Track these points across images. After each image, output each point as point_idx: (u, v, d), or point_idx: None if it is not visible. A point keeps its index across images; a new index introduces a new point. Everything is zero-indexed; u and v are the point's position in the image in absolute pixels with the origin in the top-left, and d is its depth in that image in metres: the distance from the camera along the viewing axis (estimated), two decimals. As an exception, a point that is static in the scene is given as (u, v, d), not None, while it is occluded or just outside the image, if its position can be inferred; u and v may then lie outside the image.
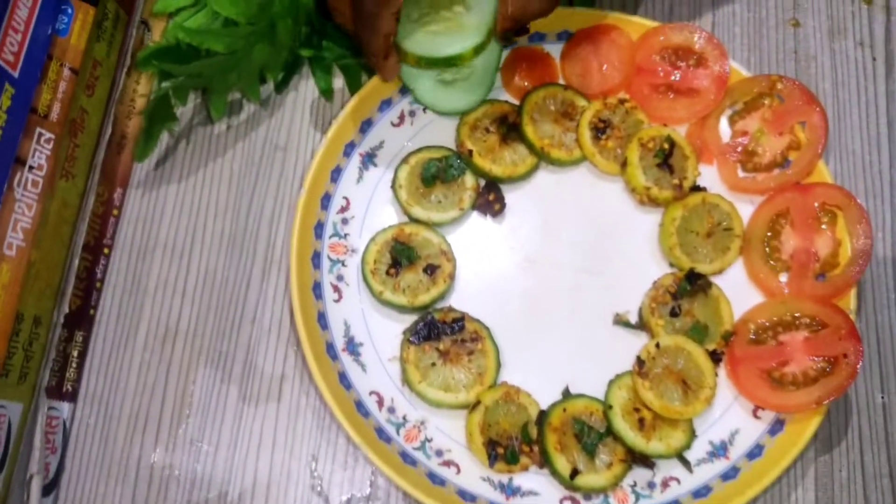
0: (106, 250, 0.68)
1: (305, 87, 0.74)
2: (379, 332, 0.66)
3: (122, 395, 0.66)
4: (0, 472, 0.57)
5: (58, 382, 0.63)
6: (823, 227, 0.65)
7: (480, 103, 0.70)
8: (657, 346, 0.63)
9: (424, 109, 0.71)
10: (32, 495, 0.59)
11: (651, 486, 0.61)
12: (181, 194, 0.71)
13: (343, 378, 0.63)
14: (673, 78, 0.69)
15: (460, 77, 0.68)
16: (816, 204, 0.65)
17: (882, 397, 0.66)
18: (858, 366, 0.59)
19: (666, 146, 0.68)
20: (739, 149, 0.69)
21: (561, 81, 0.71)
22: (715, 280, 0.67)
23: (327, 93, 0.72)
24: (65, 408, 0.64)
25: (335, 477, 0.64)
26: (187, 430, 0.65)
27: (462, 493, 0.60)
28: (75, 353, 0.65)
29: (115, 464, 0.64)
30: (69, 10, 0.59)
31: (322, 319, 0.65)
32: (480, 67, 0.68)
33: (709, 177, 0.70)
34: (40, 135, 0.58)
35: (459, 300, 0.67)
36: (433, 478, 0.61)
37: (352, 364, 0.64)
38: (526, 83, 0.71)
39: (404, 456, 0.61)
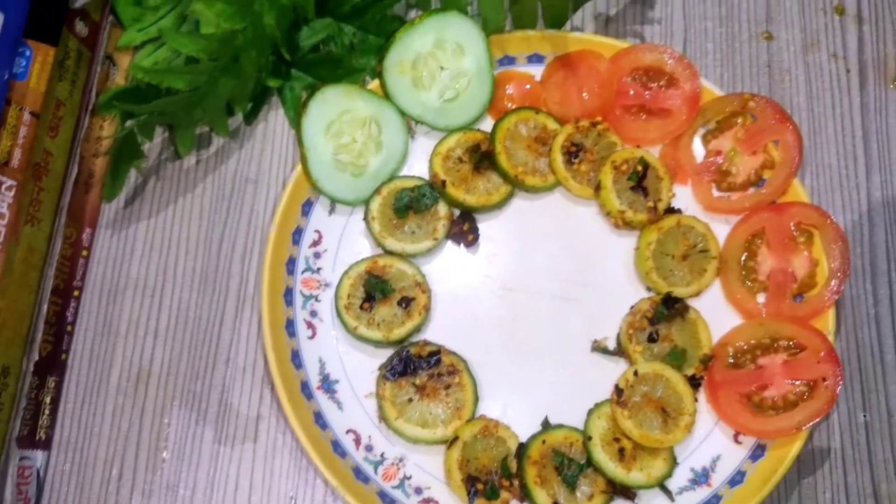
0: (76, 292, 0.67)
1: (275, 118, 0.73)
2: (354, 368, 0.65)
3: (96, 441, 0.65)
4: (-29, 528, 0.56)
5: (30, 431, 0.62)
6: (800, 246, 0.65)
7: (451, 132, 0.69)
8: (635, 373, 0.62)
9: (394, 139, 0.70)
10: (6, 549, 0.59)
11: (633, 516, 0.61)
12: (151, 232, 0.70)
13: (318, 418, 0.62)
14: (645, 98, 0.69)
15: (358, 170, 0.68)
16: (792, 224, 0.65)
17: (864, 416, 0.66)
18: (838, 390, 0.59)
19: (639, 168, 0.67)
20: (713, 168, 0.68)
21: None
22: (692, 302, 0.66)
23: (296, 123, 0.71)
24: (38, 456, 0.63)
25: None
26: (163, 474, 0.64)
27: (442, 532, 0.60)
28: (48, 400, 0.64)
29: (91, 511, 0.63)
30: (27, 53, 0.58)
31: (296, 358, 0.64)
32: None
33: (684, 197, 0.69)
34: (0, 183, 0.57)
35: (435, 332, 0.66)
36: (412, 517, 0.60)
37: (327, 402, 0.63)
38: (510, 105, 0.70)
39: (383, 496, 0.61)
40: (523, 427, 0.63)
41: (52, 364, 0.65)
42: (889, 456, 0.65)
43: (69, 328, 0.66)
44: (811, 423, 0.59)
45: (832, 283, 0.63)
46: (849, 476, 0.64)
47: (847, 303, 0.68)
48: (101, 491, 0.64)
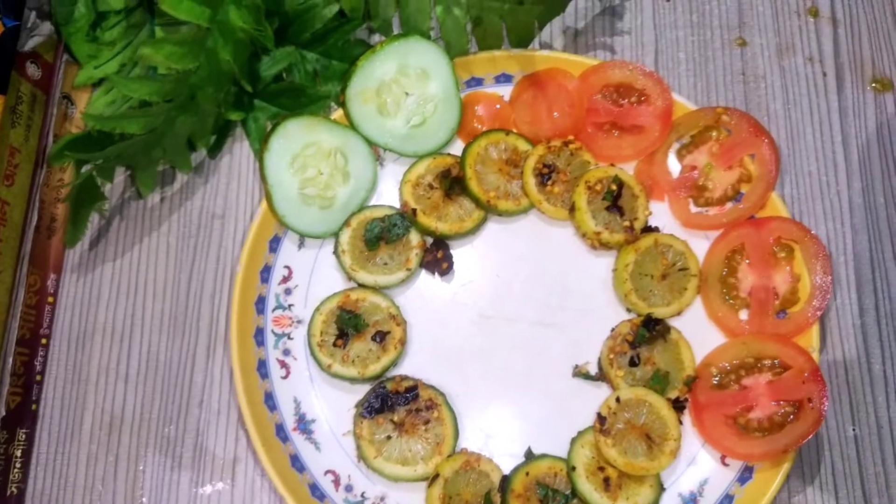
0: (44, 340, 0.66)
1: (240, 150, 0.71)
2: (331, 406, 0.63)
3: (71, 491, 0.64)
4: None
5: (1, 487, 0.61)
6: (781, 262, 0.63)
7: (420, 158, 0.68)
8: (617, 400, 0.61)
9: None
10: None
11: (621, 547, 0.59)
12: (118, 274, 0.68)
13: (295, 460, 0.61)
14: (616, 115, 0.67)
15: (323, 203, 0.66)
16: (772, 239, 0.63)
17: (853, 429, 0.65)
18: (824, 410, 0.58)
19: (614, 187, 0.66)
20: (689, 184, 0.67)
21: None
22: (674, 322, 0.65)
23: (260, 159, 0.70)
24: (10, 513, 0.62)
25: (296, 561, 0.61)
26: (140, 523, 0.63)
27: (426, 573, 0.58)
28: (18, 453, 0.63)
29: (67, 566, 0.62)
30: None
31: (270, 400, 0.62)
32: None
33: (661, 214, 0.68)
34: (-46, 240, 0.56)
35: (412, 365, 0.65)
36: (395, 559, 0.59)
37: (304, 443, 0.62)
38: (480, 127, 0.69)
39: (364, 536, 0.59)
40: (506, 458, 0.62)
41: (23, 415, 0.63)
42: (880, 469, 0.64)
43: (38, 377, 0.65)
44: (798, 445, 0.57)
45: (815, 299, 0.61)
46: (840, 492, 0.63)
47: (832, 314, 0.67)
48: (77, 545, 0.62)
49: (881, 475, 0.64)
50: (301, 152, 0.64)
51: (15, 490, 0.62)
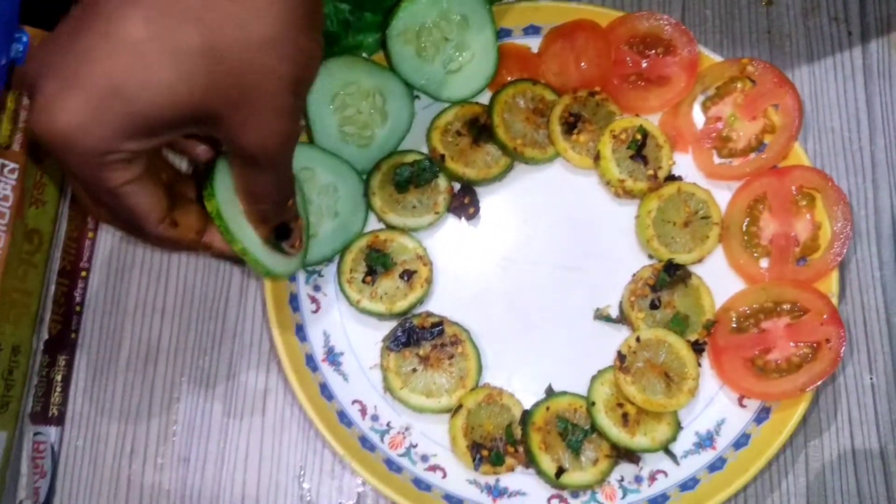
0: (84, 273, 0.68)
1: (275, 98, 0.74)
2: (359, 340, 0.66)
3: (108, 417, 0.66)
4: (-13, 501, 0.57)
5: (43, 407, 0.64)
6: (802, 210, 0.65)
7: (450, 106, 0.70)
8: (637, 339, 0.62)
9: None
10: (23, 521, 0.60)
11: (638, 480, 0.61)
12: (156, 213, 0.71)
13: (324, 389, 0.63)
14: (643, 67, 0.68)
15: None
16: (794, 187, 0.65)
17: (871, 378, 0.66)
18: (841, 351, 0.59)
19: (638, 137, 0.67)
20: (714, 135, 0.68)
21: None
22: (695, 269, 0.66)
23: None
24: (52, 432, 0.64)
25: (323, 487, 0.64)
26: (174, 447, 0.65)
27: (448, 497, 0.60)
28: (59, 378, 0.65)
29: (105, 484, 0.64)
30: (24, 39, 0.59)
31: (300, 332, 0.64)
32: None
33: (684, 165, 0.69)
34: (3, 166, 0.59)
35: (438, 304, 0.67)
36: (419, 483, 0.61)
37: (333, 374, 0.64)
38: (509, 78, 0.71)
39: (389, 463, 0.61)
40: (527, 395, 0.63)
41: (63, 343, 0.66)
42: (896, 418, 0.65)
43: (77, 308, 0.67)
44: (815, 385, 0.59)
45: (835, 245, 0.62)
46: (855, 438, 0.64)
47: (852, 266, 0.68)
48: (115, 464, 0.65)
49: (897, 423, 0.65)
50: (341, 91, 0.66)
51: (56, 412, 0.65)
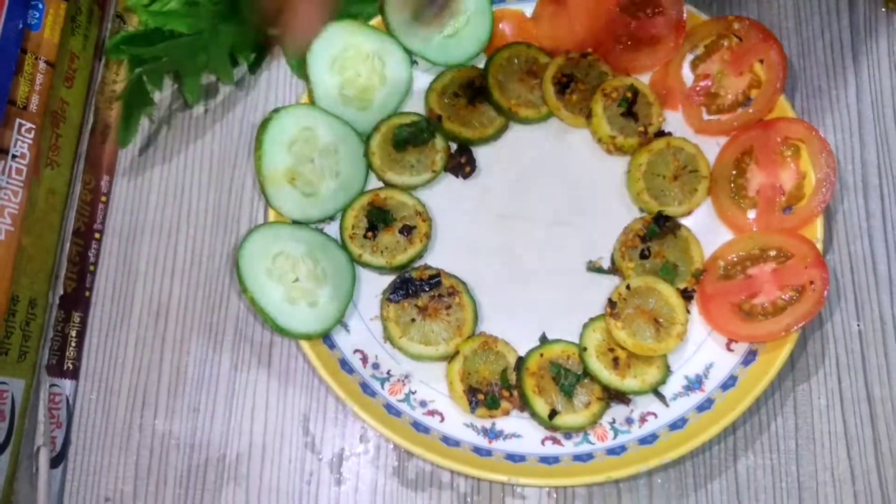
0: (97, 235, 0.71)
1: (278, 67, 0.77)
2: (360, 293, 0.68)
3: (121, 371, 0.69)
4: (7, 444, 0.60)
5: (58, 361, 0.67)
6: (788, 160, 0.66)
7: (447, 69, 0.72)
8: (628, 287, 0.64)
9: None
10: (41, 465, 0.63)
11: (629, 421, 0.63)
12: (165, 178, 0.74)
13: (327, 339, 0.66)
14: (633, 27, 0.71)
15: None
16: (779, 139, 0.66)
17: (858, 325, 0.67)
18: (825, 292, 0.61)
19: (629, 95, 0.69)
20: (702, 92, 0.70)
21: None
22: (685, 221, 0.68)
23: (299, 70, 0.75)
24: (67, 385, 0.67)
25: (327, 433, 0.66)
26: (184, 399, 0.68)
27: (446, 440, 0.62)
28: (73, 333, 0.68)
29: (118, 435, 0.67)
30: (40, 6, 0.62)
31: (303, 284, 0.67)
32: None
33: (675, 122, 0.71)
34: (20, 125, 0.61)
35: (437, 259, 0.69)
36: (417, 426, 0.63)
37: (335, 327, 0.67)
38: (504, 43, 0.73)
39: (389, 408, 0.64)
40: (522, 343, 0.66)
41: (77, 300, 0.69)
42: (882, 362, 0.66)
43: (91, 268, 0.70)
44: (799, 325, 0.60)
45: (819, 192, 0.64)
46: (843, 382, 0.66)
47: (839, 217, 0.70)
48: (127, 415, 0.68)
49: (883, 367, 0.66)
50: (341, 54, 0.69)
51: (71, 366, 0.68)
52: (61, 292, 0.67)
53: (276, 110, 0.67)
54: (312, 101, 0.69)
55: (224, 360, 0.69)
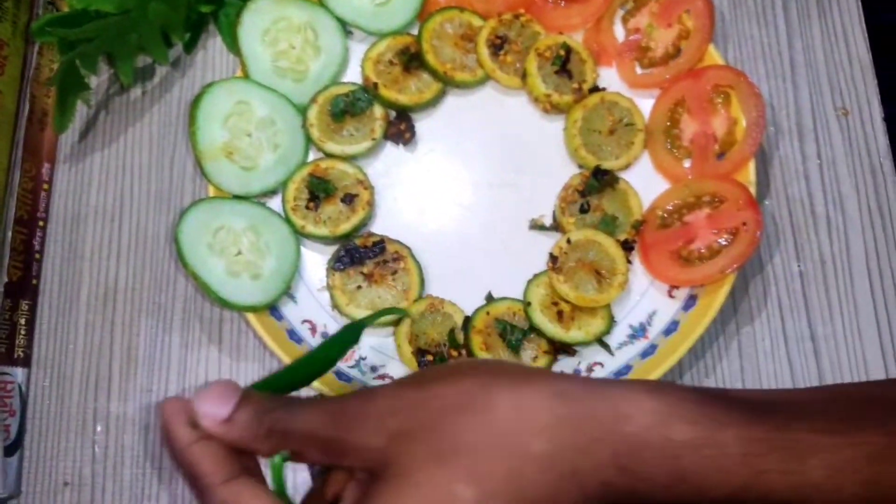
0: (41, 223, 0.71)
1: (214, 45, 0.76)
2: (306, 265, 0.68)
3: (72, 356, 0.69)
4: (-43, 433, 0.60)
5: (7, 349, 0.66)
6: (719, 107, 0.67)
7: (381, 38, 0.72)
8: (568, 241, 0.65)
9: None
10: (-6, 454, 0.63)
11: (577, 373, 0.64)
12: (106, 162, 0.74)
13: (274, 311, 0.66)
14: (562, -14, 0.71)
15: None
16: (709, 87, 0.67)
17: (798, 266, 0.69)
18: (758, 233, 0.62)
19: (562, 53, 0.70)
20: (634, 47, 0.71)
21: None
22: (623, 175, 0.69)
23: (234, 48, 0.74)
24: (18, 373, 0.67)
25: (280, 405, 0.67)
26: (136, 380, 0.68)
27: (396, 402, 0.63)
28: (23, 321, 0.68)
29: (73, 420, 0.67)
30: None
31: (248, 258, 0.67)
32: None
33: (610, 79, 0.72)
34: (-51, 113, 0.61)
35: (381, 227, 0.69)
36: (367, 391, 0.63)
37: (283, 299, 0.67)
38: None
39: (339, 375, 0.64)
40: (468, 304, 0.66)
41: (24, 289, 0.69)
42: (824, 301, 0.68)
43: (37, 256, 0.70)
44: (735, 266, 0.61)
45: (749, 136, 0.65)
46: (786, 322, 0.67)
47: (776, 162, 0.71)
48: (81, 399, 0.68)
49: (825, 306, 0.68)
50: (272, 26, 0.69)
51: (22, 354, 0.68)
52: (6, 280, 0.67)
53: (209, 85, 0.67)
54: (246, 75, 0.69)
55: (174, 340, 0.69)
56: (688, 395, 0.38)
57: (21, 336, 0.68)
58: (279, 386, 0.45)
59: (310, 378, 0.49)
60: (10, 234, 0.68)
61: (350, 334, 0.51)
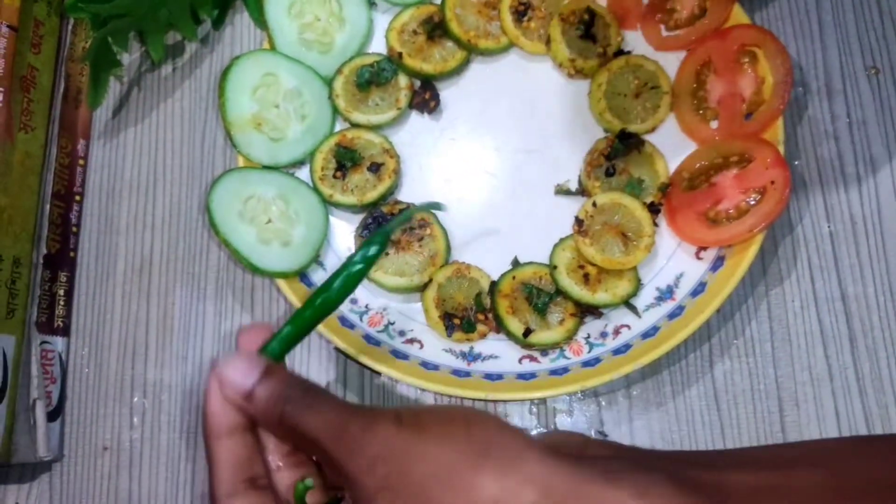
0: (77, 197, 0.73)
1: (241, 21, 0.78)
2: (335, 233, 0.69)
3: (110, 326, 0.71)
4: (3, 397, 0.62)
5: (48, 319, 0.69)
6: (745, 67, 0.67)
7: (405, 8, 0.73)
8: (594, 204, 0.65)
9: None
10: (38, 417, 0.65)
11: (604, 335, 0.64)
12: (139, 137, 0.75)
13: (304, 277, 0.67)
14: (585, -50, 0.71)
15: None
16: (735, 47, 0.67)
17: (829, 226, 0.68)
18: (787, 191, 0.61)
19: (586, 17, 0.70)
20: (659, 8, 0.70)
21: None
22: (649, 138, 0.68)
23: (262, 23, 0.76)
24: (58, 342, 0.69)
25: (311, 369, 0.68)
26: (172, 348, 0.70)
27: (425, 364, 0.64)
28: (61, 292, 0.70)
29: (111, 387, 0.69)
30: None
31: (277, 227, 0.68)
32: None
33: (636, 42, 0.71)
34: (-11, 88, 0.63)
35: (407, 194, 0.70)
36: (397, 354, 0.64)
37: (313, 266, 0.68)
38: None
39: (368, 338, 0.65)
40: (495, 269, 0.67)
41: (62, 260, 0.71)
42: (855, 261, 0.67)
43: (74, 229, 0.72)
44: (763, 225, 0.61)
45: (777, 95, 0.64)
46: (816, 283, 0.67)
47: (805, 123, 0.70)
48: (118, 367, 0.70)
49: (856, 266, 0.67)
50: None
51: (61, 324, 0.70)
52: (45, 252, 0.69)
53: (237, 57, 0.68)
54: (273, 48, 0.70)
55: (208, 308, 0.71)
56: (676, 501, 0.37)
57: (60, 306, 0.70)
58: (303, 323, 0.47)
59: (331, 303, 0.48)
60: (48, 207, 0.70)
61: (379, 237, 0.50)
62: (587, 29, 0.70)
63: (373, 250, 0.49)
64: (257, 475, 0.44)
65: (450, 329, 0.64)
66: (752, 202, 0.63)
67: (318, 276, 0.68)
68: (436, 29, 0.72)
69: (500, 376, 0.63)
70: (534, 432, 0.65)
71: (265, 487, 0.44)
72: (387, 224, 0.51)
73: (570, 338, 0.64)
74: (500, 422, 0.40)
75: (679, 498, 0.37)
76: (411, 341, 0.66)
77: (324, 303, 0.47)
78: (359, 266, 0.48)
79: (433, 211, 0.68)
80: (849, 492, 0.39)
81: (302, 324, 0.46)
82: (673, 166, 0.67)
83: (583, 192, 0.68)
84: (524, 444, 0.39)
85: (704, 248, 0.65)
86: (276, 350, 0.46)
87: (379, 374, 0.63)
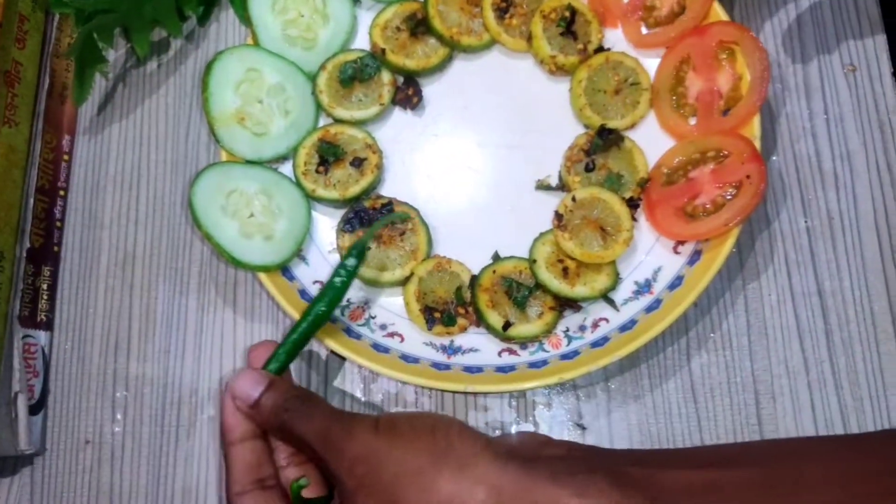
0: (62, 192, 0.74)
1: (226, 18, 0.78)
2: (317, 228, 0.70)
3: (93, 320, 0.71)
4: (-17, 391, 0.62)
5: (31, 313, 0.69)
6: (723, 64, 0.67)
7: (388, 5, 0.73)
8: (573, 199, 0.66)
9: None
10: (20, 411, 0.65)
11: (582, 329, 0.65)
12: (124, 133, 0.76)
13: (286, 272, 0.68)
14: (566, -51, 0.72)
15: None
16: (714, 43, 0.67)
17: (805, 222, 0.69)
18: (762, 185, 0.62)
19: (567, 14, 0.71)
20: (639, 6, 0.71)
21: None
22: (629, 134, 0.69)
23: (246, 19, 0.76)
24: (41, 336, 0.70)
25: (294, 364, 0.68)
26: (155, 342, 0.70)
27: (405, 357, 0.64)
28: (45, 287, 0.71)
29: (94, 381, 0.70)
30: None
31: (260, 221, 0.69)
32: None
33: (614, 40, 0.72)
34: (-29, 82, 0.64)
35: (390, 189, 0.71)
36: (377, 347, 0.65)
37: (295, 261, 0.68)
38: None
39: (349, 331, 0.66)
40: (475, 263, 0.67)
41: (46, 255, 0.71)
42: (832, 256, 0.68)
43: (58, 224, 0.73)
44: (739, 219, 0.62)
45: (754, 91, 0.65)
46: (793, 278, 0.67)
47: (783, 119, 0.71)
48: (101, 361, 0.70)
49: (832, 261, 0.68)
50: None
51: (44, 318, 0.70)
52: (28, 246, 0.69)
53: (221, 52, 0.69)
54: (256, 44, 0.71)
55: (191, 302, 0.71)
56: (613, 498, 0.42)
57: (43, 300, 0.70)
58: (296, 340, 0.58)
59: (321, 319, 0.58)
60: (32, 202, 0.70)
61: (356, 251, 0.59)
62: (568, 26, 0.70)
63: (351, 262, 0.59)
64: (266, 476, 0.52)
65: (430, 323, 0.65)
66: (729, 197, 0.63)
67: (300, 270, 0.68)
68: (419, 26, 0.73)
69: (479, 369, 0.64)
70: (513, 426, 0.65)
71: (273, 487, 0.52)
72: (363, 237, 0.60)
73: (549, 331, 0.64)
74: (463, 427, 0.46)
75: (615, 494, 0.41)
76: (392, 335, 0.66)
77: (315, 318, 0.58)
78: (342, 279, 0.59)
79: (415, 207, 0.69)
80: (779, 489, 0.42)
81: (298, 338, 0.58)
82: (652, 162, 0.68)
83: (563, 187, 0.69)
84: (481, 447, 0.45)
85: (682, 243, 0.66)
86: (280, 361, 0.56)
87: (361, 367, 0.64)
